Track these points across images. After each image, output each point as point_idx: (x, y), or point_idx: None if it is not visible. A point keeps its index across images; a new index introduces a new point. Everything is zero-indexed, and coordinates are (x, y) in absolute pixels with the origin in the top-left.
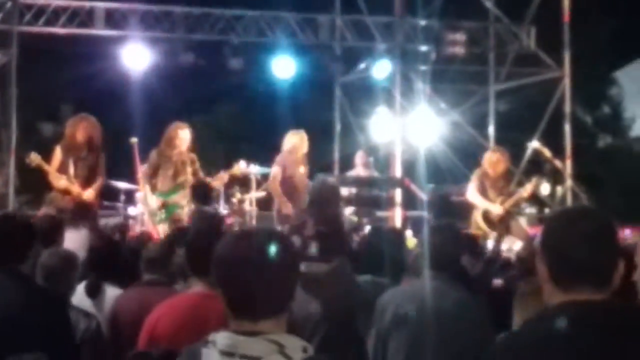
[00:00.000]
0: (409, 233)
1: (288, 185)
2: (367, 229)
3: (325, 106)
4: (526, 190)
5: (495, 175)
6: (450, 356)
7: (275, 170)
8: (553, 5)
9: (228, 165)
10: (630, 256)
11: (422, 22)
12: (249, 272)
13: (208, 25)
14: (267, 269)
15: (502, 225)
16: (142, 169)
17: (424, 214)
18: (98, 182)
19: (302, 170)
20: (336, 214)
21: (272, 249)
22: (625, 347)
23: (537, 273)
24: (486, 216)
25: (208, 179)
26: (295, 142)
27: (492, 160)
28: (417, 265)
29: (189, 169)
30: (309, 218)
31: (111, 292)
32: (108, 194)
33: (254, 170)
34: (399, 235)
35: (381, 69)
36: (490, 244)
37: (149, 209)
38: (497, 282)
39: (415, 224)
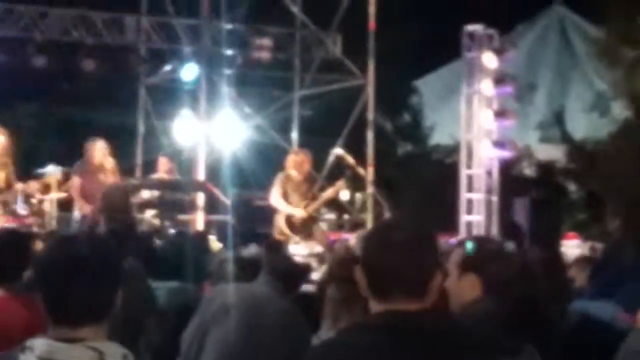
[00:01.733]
0: (212, 237)
1: (88, 187)
2: (171, 232)
3: (129, 108)
4: (330, 193)
5: (299, 177)
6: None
7: (75, 174)
8: (359, 13)
9: (29, 164)
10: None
11: (229, 26)
12: (67, 278)
13: (11, 21)
14: (86, 275)
15: (304, 229)
16: None
17: (228, 218)
18: None
19: (106, 173)
20: (126, 217)
21: (92, 255)
22: (438, 357)
23: (348, 279)
24: (289, 220)
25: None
26: (92, 150)
27: (297, 161)
28: (221, 270)
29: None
30: (101, 219)
31: None
32: None
33: (54, 170)
34: (202, 239)
35: (187, 71)
36: (294, 249)
37: None
38: (308, 287)
39: (219, 229)
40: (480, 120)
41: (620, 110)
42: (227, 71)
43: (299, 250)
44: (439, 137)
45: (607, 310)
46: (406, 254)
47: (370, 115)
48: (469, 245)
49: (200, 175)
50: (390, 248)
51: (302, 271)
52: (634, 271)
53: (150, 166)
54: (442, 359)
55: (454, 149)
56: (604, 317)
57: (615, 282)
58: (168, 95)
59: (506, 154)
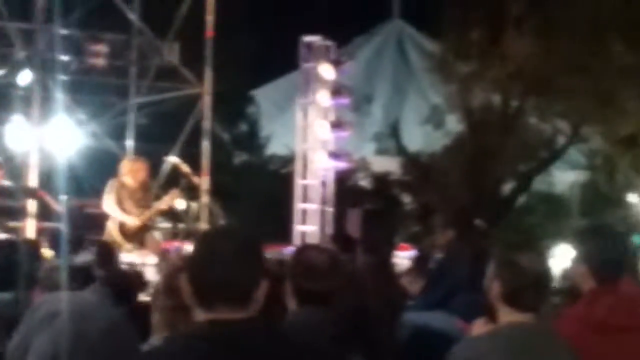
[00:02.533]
0: (44, 245)
1: None
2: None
3: None
4: (165, 201)
5: (134, 185)
6: None
7: None
8: (197, 21)
9: None
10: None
11: (64, 32)
12: None
13: None
14: None
15: (138, 238)
16: None
17: (60, 225)
18: None
19: None
20: None
21: None
22: None
23: (177, 288)
24: (122, 228)
25: None
26: None
27: (133, 168)
28: (50, 278)
29: None
30: None
31: None
32: None
33: None
34: (33, 247)
35: (21, 76)
36: (126, 257)
37: None
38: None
39: (51, 236)
40: (316, 131)
41: (454, 124)
42: (62, 77)
43: (132, 258)
44: (275, 147)
45: (443, 320)
46: (230, 264)
47: (207, 124)
48: None
49: (33, 181)
50: (214, 258)
51: (133, 280)
52: (466, 282)
53: None
54: None
55: (289, 159)
56: (440, 326)
57: (448, 293)
58: (0, 100)
59: (341, 165)
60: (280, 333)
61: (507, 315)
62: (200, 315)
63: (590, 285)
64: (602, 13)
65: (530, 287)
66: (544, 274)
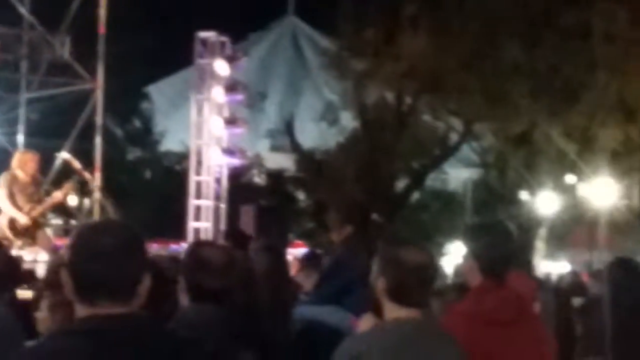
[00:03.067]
0: None
1: None
2: None
3: None
4: (58, 195)
5: (25, 179)
6: None
7: None
8: (89, 15)
9: None
10: (160, 270)
11: None
12: None
13: None
14: None
15: (29, 234)
16: None
17: None
18: None
19: None
20: None
21: None
22: None
23: (62, 285)
24: (12, 224)
25: None
26: None
27: (23, 159)
28: None
29: None
30: None
31: None
32: None
33: None
34: None
35: None
36: (17, 254)
37: None
38: (25, 293)
39: None
40: (210, 127)
41: (348, 121)
42: None
43: (23, 255)
44: (169, 144)
45: (333, 315)
46: (111, 259)
47: (99, 119)
48: None
49: None
50: (94, 252)
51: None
52: (361, 278)
53: None
54: None
55: (184, 156)
56: (329, 321)
57: (341, 288)
58: None
59: (236, 161)
60: (164, 328)
61: (393, 311)
62: (81, 311)
63: (479, 281)
64: (494, 13)
65: (415, 282)
66: (429, 270)
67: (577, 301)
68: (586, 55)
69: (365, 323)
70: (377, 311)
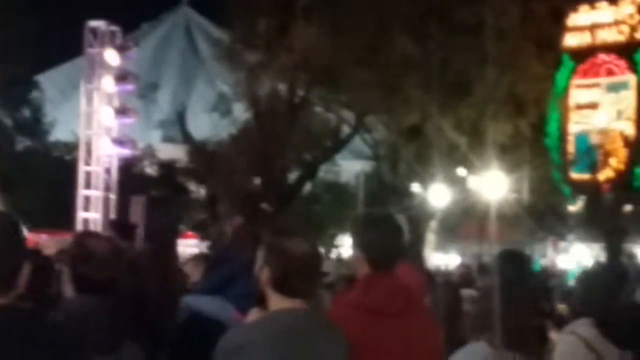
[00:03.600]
0: None
1: None
2: None
3: None
4: None
5: None
6: None
7: None
8: None
9: None
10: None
11: None
12: None
13: None
14: None
15: None
16: None
17: None
18: None
19: None
20: None
21: None
22: (23, 353)
23: None
24: None
25: None
26: None
27: None
28: None
29: None
30: None
31: None
32: None
33: None
34: None
35: None
36: None
37: None
38: None
39: None
40: (100, 118)
41: (241, 112)
42: None
43: None
44: (59, 133)
45: (217, 306)
46: None
47: None
48: None
49: None
50: None
51: None
52: (244, 268)
53: None
54: (27, 355)
55: (74, 146)
56: (212, 312)
57: (227, 278)
58: None
59: (126, 152)
60: (45, 320)
61: (277, 302)
62: None
63: (366, 272)
64: (387, 6)
65: (298, 272)
66: (313, 260)
67: (467, 292)
68: (478, 49)
69: (253, 315)
70: (262, 302)
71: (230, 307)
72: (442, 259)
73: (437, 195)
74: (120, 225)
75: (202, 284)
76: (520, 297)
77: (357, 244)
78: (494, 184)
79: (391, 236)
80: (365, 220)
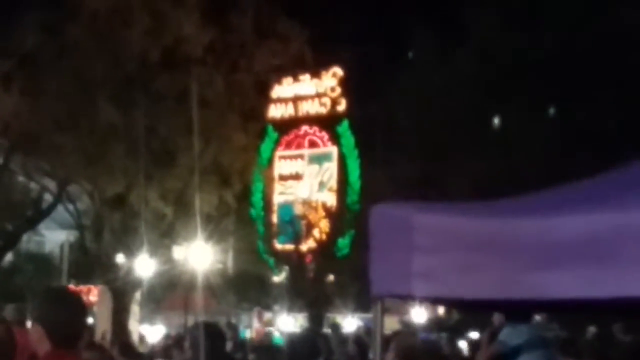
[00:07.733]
0: None
1: None
2: None
3: None
4: None
5: None
6: None
7: None
8: None
9: None
10: None
11: None
12: None
13: None
14: None
15: None
16: None
17: None
18: None
19: None
20: None
21: None
22: None
23: None
24: None
25: None
26: None
27: None
28: None
29: None
30: None
31: None
32: None
33: None
34: None
35: None
36: None
37: None
38: None
39: None
40: None
41: None
42: None
43: None
44: None
45: None
46: None
47: None
48: None
49: None
50: None
51: None
52: None
53: None
54: None
55: None
56: None
57: None
58: None
59: None
60: None
61: None
62: None
63: (47, 349)
64: (91, 73)
65: None
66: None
67: None
68: (182, 119)
69: None
70: None
71: None
72: (148, 330)
73: (142, 265)
74: None
75: None
76: None
77: (37, 319)
78: (199, 255)
79: (74, 313)
80: (43, 294)
